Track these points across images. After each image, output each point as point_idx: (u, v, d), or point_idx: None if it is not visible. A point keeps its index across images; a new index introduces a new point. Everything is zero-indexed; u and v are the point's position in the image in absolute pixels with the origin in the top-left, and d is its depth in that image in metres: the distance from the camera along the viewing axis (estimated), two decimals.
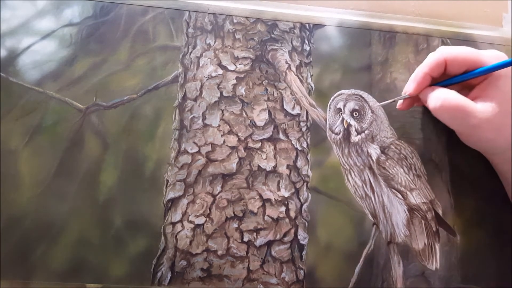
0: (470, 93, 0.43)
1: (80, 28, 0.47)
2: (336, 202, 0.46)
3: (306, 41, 0.49)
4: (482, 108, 0.40)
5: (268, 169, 0.45)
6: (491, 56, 0.41)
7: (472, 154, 0.46)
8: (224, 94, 0.47)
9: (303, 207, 0.45)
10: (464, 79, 0.43)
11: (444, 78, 0.44)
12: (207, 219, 0.44)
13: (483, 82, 0.42)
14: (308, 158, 0.46)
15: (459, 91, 0.42)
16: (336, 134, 0.47)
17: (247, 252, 0.43)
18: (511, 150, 0.42)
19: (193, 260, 0.43)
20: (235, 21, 0.49)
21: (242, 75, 0.48)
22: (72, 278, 0.41)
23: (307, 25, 0.50)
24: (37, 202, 0.42)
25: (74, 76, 0.45)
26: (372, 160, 0.46)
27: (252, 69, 0.48)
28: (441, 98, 0.41)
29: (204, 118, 0.46)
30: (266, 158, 0.46)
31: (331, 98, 0.48)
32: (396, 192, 0.46)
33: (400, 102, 0.46)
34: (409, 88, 0.44)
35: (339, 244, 0.44)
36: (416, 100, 0.46)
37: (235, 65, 0.48)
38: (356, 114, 0.47)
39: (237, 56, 0.48)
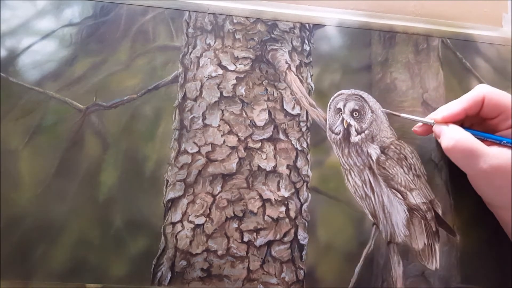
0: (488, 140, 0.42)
1: (80, 28, 0.47)
2: (336, 202, 0.46)
3: (306, 41, 0.49)
4: (496, 153, 0.39)
5: (268, 169, 0.45)
6: None
7: None
8: (224, 94, 0.47)
9: (303, 207, 0.45)
10: (490, 138, 0.41)
11: (476, 120, 0.44)
12: (207, 219, 0.44)
13: (507, 130, 0.41)
14: (308, 158, 0.46)
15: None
16: (336, 134, 0.47)
17: (247, 252, 0.43)
18: None
19: (193, 260, 0.43)
20: (235, 21, 0.49)
21: (242, 75, 0.48)
22: (72, 278, 0.41)
23: (307, 25, 0.50)
24: (37, 202, 0.42)
25: (74, 76, 0.45)
26: (372, 160, 0.46)
27: (252, 69, 0.48)
28: (454, 138, 0.40)
29: (204, 118, 0.46)
30: (266, 158, 0.46)
31: (331, 98, 0.48)
32: (396, 192, 0.46)
33: (419, 125, 0.45)
34: (438, 115, 0.43)
35: (339, 244, 0.44)
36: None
37: (235, 65, 0.48)
38: (356, 114, 0.47)
39: (237, 56, 0.48)
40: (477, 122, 0.44)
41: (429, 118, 0.44)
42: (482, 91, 0.41)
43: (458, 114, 0.42)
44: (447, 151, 0.41)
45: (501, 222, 0.44)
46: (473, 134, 0.41)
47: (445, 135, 0.41)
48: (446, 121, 0.42)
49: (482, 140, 0.41)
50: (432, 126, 0.43)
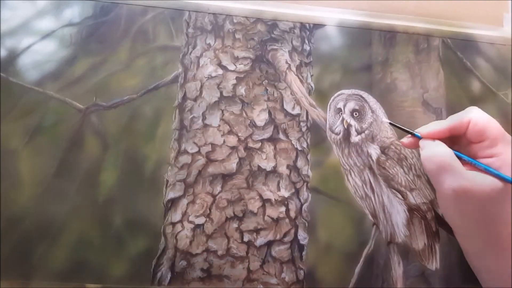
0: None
1: (80, 28, 0.47)
2: (336, 202, 0.46)
3: (306, 41, 0.49)
4: (470, 176, 0.37)
5: (268, 169, 0.45)
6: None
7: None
8: (224, 94, 0.47)
9: (303, 207, 0.45)
10: (472, 162, 0.39)
11: (462, 141, 0.42)
12: (207, 219, 0.44)
13: (487, 158, 0.39)
14: (308, 158, 0.46)
15: None
16: (336, 134, 0.47)
17: (247, 252, 0.43)
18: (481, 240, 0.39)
19: (193, 260, 0.43)
20: (235, 21, 0.49)
21: (242, 75, 0.47)
22: (72, 278, 0.41)
23: (307, 25, 0.50)
24: (37, 202, 0.42)
25: (74, 76, 0.45)
26: (372, 160, 0.46)
27: (252, 69, 0.48)
28: (434, 151, 0.39)
29: (204, 118, 0.46)
30: (266, 158, 0.46)
31: (331, 98, 0.48)
32: (396, 192, 0.46)
33: (407, 137, 0.43)
34: (424, 130, 0.41)
35: (339, 244, 0.44)
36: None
37: (235, 65, 0.48)
38: (356, 114, 0.47)
39: (237, 56, 0.48)
40: (464, 144, 0.42)
41: (416, 131, 0.42)
42: (469, 115, 0.40)
43: (442, 131, 0.41)
44: (423, 161, 0.40)
45: (463, 250, 0.42)
46: (457, 156, 0.40)
47: (426, 147, 0.40)
48: (431, 137, 0.41)
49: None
50: (419, 139, 0.42)
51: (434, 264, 0.45)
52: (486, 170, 0.38)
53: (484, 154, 0.40)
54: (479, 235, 0.39)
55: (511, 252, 0.38)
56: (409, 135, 0.43)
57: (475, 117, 0.40)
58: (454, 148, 0.40)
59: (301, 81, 0.48)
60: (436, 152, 0.39)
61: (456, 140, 0.42)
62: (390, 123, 0.45)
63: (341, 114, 0.47)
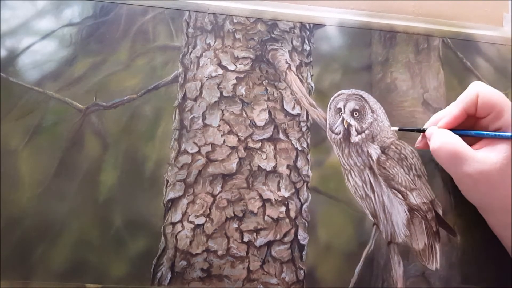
0: (479, 141, 0.42)
1: (80, 28, 0.47)
2: (336, 202, 0.45)
3: (306, 41, 0.49)
4: (481, 158, 0.38)
5: (268, 169, 0.45)
6: None
7: None
8: (224, 94, 0.47)
9: (303, 207, 0.45)
10: (480, 135, 0.41)
11: (472, 120, 0.43)
12: (207, 219, 0.44)
13: (497, 130, 0.41)
14: (308, 158, 0.46)
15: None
16: (336, 134, 0.47)
17: (247, 252, 0.43)
18: (508, 212, 0.40)
19: (193, 260, 0.43)
20: (235, 21, 0.49)
21: (242, 75, 0.47)
22: (72, 278, 0.41)
23: (307, 25, 0.50)
24: (37, 202, 0.42)
25: (74, 76, 0.45)
26: (373, 160, 0.46)
27: (252, 69, 0.48)
28: (441, 140, 0.40)
29: (204, 118, 0.46)
30: (266, 158, 0.46)
31: (331, 98, 0.48)
32: (396, 192, 0.46)
33: (419, 140, 0.45)
34: (440, 123, 0.42)
35: (339, 244, 0.44)
36: None
37: (235, 65, 0.48)
38: (356, 114, 0.47)
39: (237, 56, 0.48)
40: (470, 124, 0.43)
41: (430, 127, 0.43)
42: (475, 89, 0.41)
43: (459, 116, 0.42)
44: (433, 152, 0.41)
45: (489, 224, 0.44)
46: (464, 134, 0.41)
47: (433, 137, 0.42)
48: (452, 125, 0.42)
49: (474, 139, 0.42)
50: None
51: (434, 264, 0.45)
52: (496, 136, 0.39)
53: (494, 126, 0.41)
54: (503, 209, 0.40)
55: None
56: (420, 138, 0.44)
57: (482, 91, 0.41)
58: (460, 128, 0.42)
59: (301, 81, 0.48)
60: (445, 142, 0.40)
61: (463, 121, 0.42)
62: (399, 129, 0.46)
63: (341, 114, 0.47)
